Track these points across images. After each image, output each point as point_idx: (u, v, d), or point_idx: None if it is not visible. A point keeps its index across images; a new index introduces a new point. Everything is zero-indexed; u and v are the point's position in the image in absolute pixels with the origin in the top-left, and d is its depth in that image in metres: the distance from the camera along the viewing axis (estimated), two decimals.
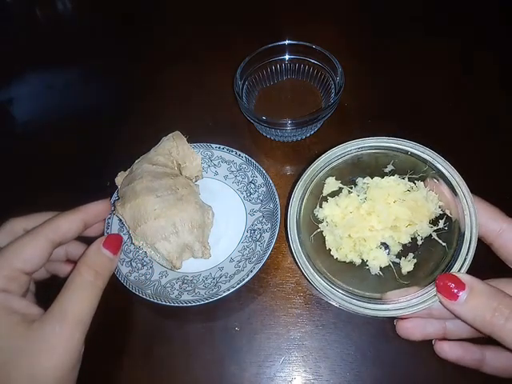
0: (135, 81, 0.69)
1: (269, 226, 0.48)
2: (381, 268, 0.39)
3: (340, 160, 0.38)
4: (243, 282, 0.43)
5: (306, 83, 0.61)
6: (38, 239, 0.35)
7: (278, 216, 0.48)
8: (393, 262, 0.39)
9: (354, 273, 0.38)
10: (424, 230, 0.38)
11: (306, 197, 0.38)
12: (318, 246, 0.39)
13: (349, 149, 0.38)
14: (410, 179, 0.39)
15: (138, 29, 0.78)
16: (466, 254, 0.33)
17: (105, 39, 0.78)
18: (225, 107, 0.62)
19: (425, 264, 0.37)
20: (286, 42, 0.58)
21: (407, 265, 0.38)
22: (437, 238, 0.37)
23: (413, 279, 0.37)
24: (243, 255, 0.47)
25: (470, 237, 0.33)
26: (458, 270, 0.32)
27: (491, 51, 0.65)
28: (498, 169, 0.52)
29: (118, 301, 0.48)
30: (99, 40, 0.78)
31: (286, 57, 0.59)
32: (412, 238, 0.39)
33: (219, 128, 0.60)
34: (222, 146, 0.55)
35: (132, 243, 0.48)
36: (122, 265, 0.47)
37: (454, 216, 0.35)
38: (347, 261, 0.39)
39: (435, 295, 0.32)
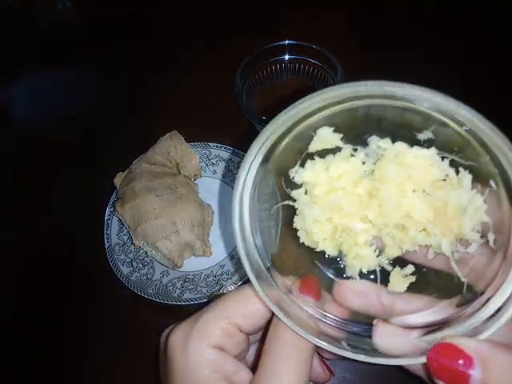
0: (135, 81, 0.69)
1: None
2: (361, 272, 0.26)
3: (350, 104, 0.24)
4: (246, 278, 0.43)
5: (306, 83, 0.61)
6: None
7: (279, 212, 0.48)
8: (381, 269, 0.26)
9: (319, 270, 0.27)
10: (443, 248, 0.24)
11: (279, 150, 0.26)
12: (284, 220, 0.27)
13: (371, 89, 0.23)
14: (452, 163, 0.23)
15: (138, 28, 0.78)
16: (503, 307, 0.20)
17: (105, 39, 0.78)
18: (225, 107, 0.62)
19: (424, 289, 0.25)
20: (286, 42, 0.58)
21: (399, 282, 0.25)
22: (456, 270, 0.24)
23: None
24: None
25: None
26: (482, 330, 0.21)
27: (491, 51, 0.65)
28: None
29: (119, 301, 0.48)
30: (99, 40, 0.78)
31: (286, 57, 0.59)
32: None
33: (219, 128, 0.60)
34: (219, 145, 0.55)
35: (132, 243, 0.48)
36: (122, 265, 0.47)
37: (499, 243, 0.22)
38: (317, 249, 0.26)
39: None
